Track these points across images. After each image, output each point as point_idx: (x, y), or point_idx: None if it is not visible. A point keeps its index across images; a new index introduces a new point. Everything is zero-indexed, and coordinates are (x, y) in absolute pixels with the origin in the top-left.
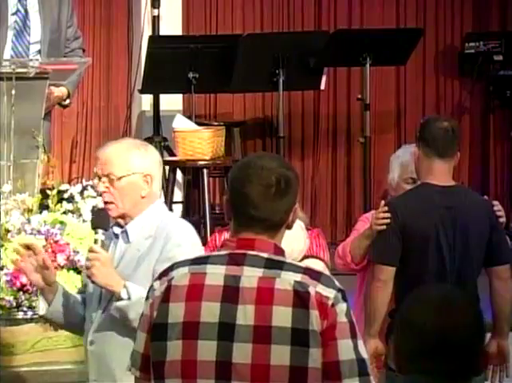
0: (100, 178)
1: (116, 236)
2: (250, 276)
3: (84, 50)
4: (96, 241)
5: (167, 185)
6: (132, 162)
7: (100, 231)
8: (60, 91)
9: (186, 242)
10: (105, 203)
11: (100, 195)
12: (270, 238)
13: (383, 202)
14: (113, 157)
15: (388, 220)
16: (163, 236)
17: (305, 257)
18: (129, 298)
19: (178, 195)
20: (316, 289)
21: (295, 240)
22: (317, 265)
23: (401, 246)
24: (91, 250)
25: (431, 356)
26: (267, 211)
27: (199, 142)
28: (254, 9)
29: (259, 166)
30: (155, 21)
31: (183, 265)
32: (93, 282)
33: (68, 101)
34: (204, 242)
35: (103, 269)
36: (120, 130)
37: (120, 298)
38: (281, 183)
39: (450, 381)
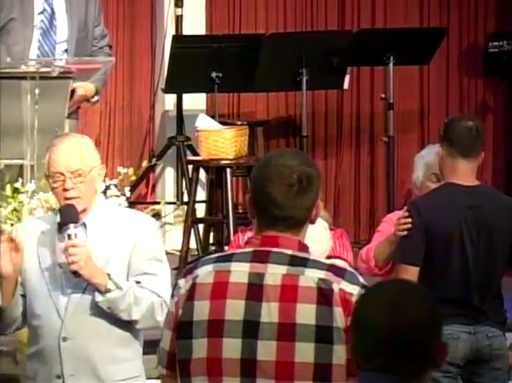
0: (62, 175)
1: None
2: (274, 273)
3: (110, 47)
4: (69, 236)
5: (191, 184)
6: (92, 156)
7: (72, 225)
8: (84, 89)
9: (154, 229)
10: (69, 198)
11: (51, 192)
12: (294, 235)
13: (405, 207)
14: (78, 153)
15: (410, 225)
16: (133, 227)
17: (329, 257)
18: (117, 288)
19: (201, 194)
20: (339, 286)
21: (318, 241)
22: None
23: (425, 246)
24: (73, 245)
25: (384, 353)
26: (290, 209)
27: (223, 141)
28: (278, 8)
29: (280, 164)
30: (179, 20)
31: (208, 263)
32: (79, 276)
33: (96, 98)
34: (227, 242)
35: (89, 262)
36: (143, 129)
37: (106, 291)
38: (302, 181)
39: (404, 377)
